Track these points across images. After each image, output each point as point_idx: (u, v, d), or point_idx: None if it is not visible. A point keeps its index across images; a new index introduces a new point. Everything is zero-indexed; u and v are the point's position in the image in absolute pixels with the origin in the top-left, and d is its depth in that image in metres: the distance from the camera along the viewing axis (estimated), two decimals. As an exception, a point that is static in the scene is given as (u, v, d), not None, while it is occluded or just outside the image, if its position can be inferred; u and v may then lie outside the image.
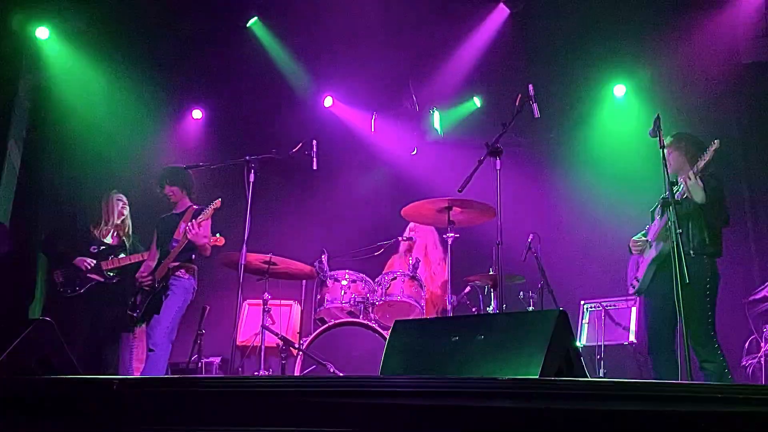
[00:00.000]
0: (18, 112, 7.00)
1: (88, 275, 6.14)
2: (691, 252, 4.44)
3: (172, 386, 1.84)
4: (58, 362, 2.99)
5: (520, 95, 4.67)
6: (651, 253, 4.71)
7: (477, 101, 7.90)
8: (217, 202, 5.58)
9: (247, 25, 7.70)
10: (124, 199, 6.46)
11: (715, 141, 4.40)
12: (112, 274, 6.23)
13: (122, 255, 6.28)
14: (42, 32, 7.16)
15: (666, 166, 4.27)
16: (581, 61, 7.24)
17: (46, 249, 6.70)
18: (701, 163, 4.44)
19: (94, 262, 6.17)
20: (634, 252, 4.88)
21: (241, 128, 7.95)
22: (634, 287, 4.86)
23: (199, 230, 5.52)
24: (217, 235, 5.69)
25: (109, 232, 6.38)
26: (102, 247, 6.28)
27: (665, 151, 4.35)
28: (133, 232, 6.48)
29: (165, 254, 5.67)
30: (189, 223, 5.53)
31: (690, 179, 4.43)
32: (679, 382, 3.95)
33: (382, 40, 7.36)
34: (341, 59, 7.62)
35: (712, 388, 2.07)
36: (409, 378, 2.27)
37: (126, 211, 6.45)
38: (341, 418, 2.11)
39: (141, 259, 6.13)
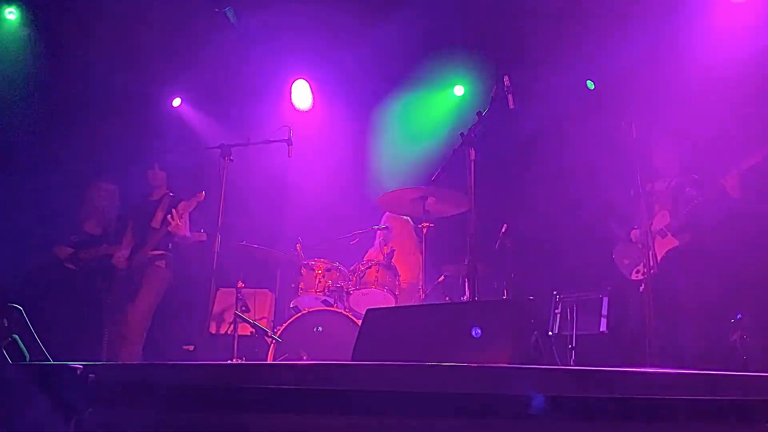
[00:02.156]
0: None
1: (65, 264, 6.07)
2: (710, 249, 4.75)
3: (139, 372, 1.84)
4: (27, 349, 2.95)
5: (495, 86, 4.69)
6: (669, 242, 4.73)
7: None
8: (201, 195, 5.54)
9: (224, 10, 7.61)
10: (110, 188, 6.32)
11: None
12: (88, 263, 6.16)
13: (103, 245, 6.21)
14: (10, 13, 7.02)
15: (636, 156, 4.35)
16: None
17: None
18: (747, 164, 4.53)
19: (72, 250, 6.09)
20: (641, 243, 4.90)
21: (218, 115, 7.88)
22: (644, 275, 4.73)
23: (180, 222, 5.50)
24: (201, 231, 5.66)
25: (92, 221, 6.28)
26: (83, 237, 6.19)
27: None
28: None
29: (141, 242, 5.62)
30: (170, 215, 5.49)
31: (733, 179, 4.55)
32: (644, 370, 4.01)
33: (354, 27, 7.32)
34: (312, 46, 7.58)
35: (670, 377, 2.12)
36: (379, 365, 2.29)
37: (108, 201, 6.33)
38: (311, 403, 2.12)
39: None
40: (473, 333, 2.65)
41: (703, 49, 6.28)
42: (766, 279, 5.02)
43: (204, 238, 5.68)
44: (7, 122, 7.05)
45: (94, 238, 6.22)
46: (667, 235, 4.67)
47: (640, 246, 4.93)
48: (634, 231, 5.06)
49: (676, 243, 4.67)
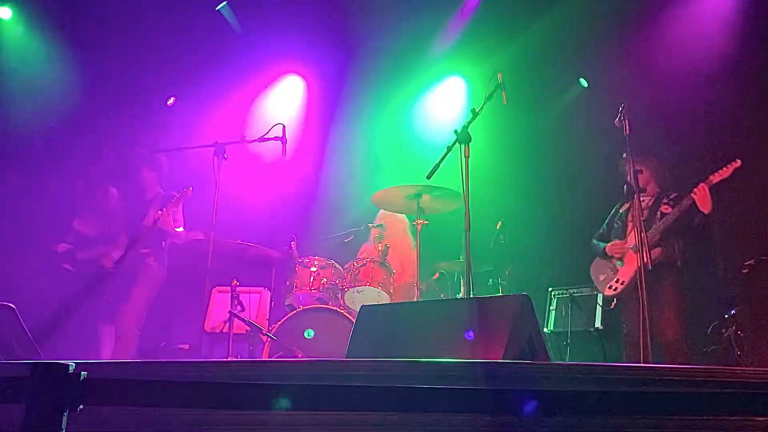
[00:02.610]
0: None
1: (62, 264, 6.06)
2: (678, 263, 4.79)
3: (133, 370, 1.84)
4: (19, 347, 2.95)
5: (489, 82, 4.68)
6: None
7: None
8: (188, 190, 5.54)
9: (217, 8, 7.60)
10: (113, 192, 6.35)
11: (737, 160, 4.67)
12: (85, 264, 6.15)
13: (100, 246, 6.20)
14: (4, 12, 6.99)
15: (630, 153, 4.36)
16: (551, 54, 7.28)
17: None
18: (717, 178, 4.69)
19: (69, 247, 6.09)
20: (615, 257, 5.07)
21: (211, 113, 7.87)
22: (615, 290, 4.99)
23: (169, 219, 5.49)
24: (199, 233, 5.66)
25: (91, 222, 6.28)
26: (81, 239, 6.19)
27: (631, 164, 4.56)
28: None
29: (134, 241, 5.61)
30: (161, 212, 5.48)
31: (703, 191, 4.68)
32: (639, 364, 4.02)
33: (349, 24, 7.32)
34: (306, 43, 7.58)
35: (663, 371, 2.12)
36: (372, 361, 2.29)
37: (110, 204, 6.34)
38: (306, 400, 2.12)
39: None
40: (466, 336, 2.65)
41: (672, 64, 6.40)
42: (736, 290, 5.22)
43: (201, 237, 5.67)
44: (7, 122, 7.04)
45: (90, 239, 6.22)
46: (638, 251, 4.74)
47: (613, 261, 5.11)
48: (608, 246, 5.17)
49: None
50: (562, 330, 6.41)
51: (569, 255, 6.79)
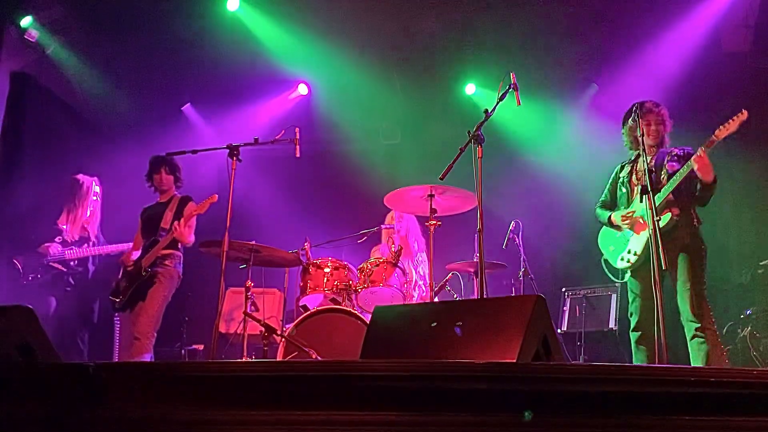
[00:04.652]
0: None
1: (50, 263, 6.12)
2: (695, 223, 4.51)
3: (149, 371, 1.85)
4: (38, 349, 2.98)
5: (501, 83, 4.68)
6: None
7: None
8: (214, 197, 5.59)
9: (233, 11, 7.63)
10: (97, 190, 6.43)
11: (743, 111, 4.25)
12: (74, 263, 6.21)
13: (87, 246, 6.27)
14: (25, 20, 7.04)
15: (645, 152, 4.30)
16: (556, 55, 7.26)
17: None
18: (722, 134, 4.27)
19: (59, 248, 6.15)
20: (623, 227, 4.72)
21: (226, 116, 7.92)
22: (628, 262, 4.63)
23: (185, 229, 5.56)
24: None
25: (78, 222, 6.34)
26: (67, 238, 6.24)
27: (646, 119, 4.46)
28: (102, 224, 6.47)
29: (152, 243, 5.66)
30: (177, 222, 5.55)
31: (701, 156, 4.30)
32: (653, 365, 4.00)
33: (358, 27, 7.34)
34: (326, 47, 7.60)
35: (685, 371, 2.12)
36: (387, 362, 2.30)
37: (95, 204, 6.41)
38: (320, 401, 2.13)
39: (110, 251, 6.16)
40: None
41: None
42: None
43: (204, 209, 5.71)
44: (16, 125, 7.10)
45: (79, 240, 6.27)
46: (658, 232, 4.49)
47: (622, 230, 4.75)
48: (613, 215, 4.80)
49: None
50: (575, 330, 6.40)
51: (582, 255, 6.78)
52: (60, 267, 6.15)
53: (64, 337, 6.15)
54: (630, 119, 4.67)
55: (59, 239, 6.22)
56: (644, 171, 4.17)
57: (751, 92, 6.63)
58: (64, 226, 6.28)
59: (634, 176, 4.79)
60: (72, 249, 6.20)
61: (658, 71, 7.05)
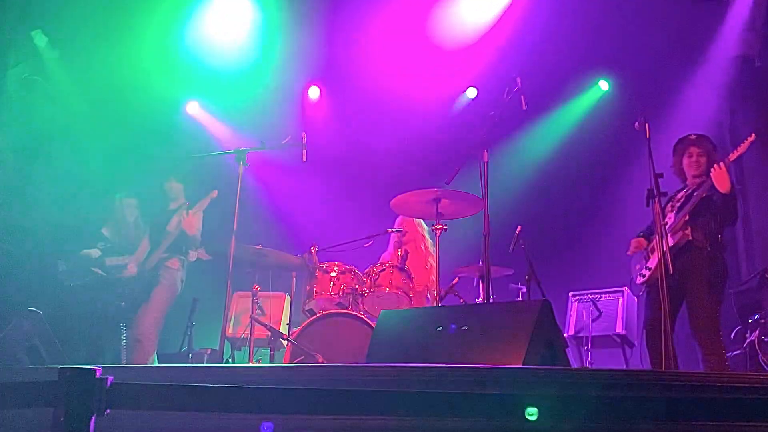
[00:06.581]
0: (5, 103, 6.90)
1: (91, 268, 6.14)
2: (709, 246, 4.53)
3: (158, 374, 1.86)
4: (46, 351, 3.00)
5: (507, 87, 4.69)
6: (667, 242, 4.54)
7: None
8: (214, 192, 5.63)
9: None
10: (132, 202, 6.44)
11: (752, 134, 4.52)
12: (114, 270, 6.23)
13: (127, 255, 6.28)
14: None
15: (651, 156, 4.31)
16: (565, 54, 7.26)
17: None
18: (734, 155, 4.53)
19: (99, 253, 6.18)
20: (641, 250, 4.89)
21: (232, 120, 7.93)
22: (644, 276, 4.79)
23: (192, 219, 5.59)
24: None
25: (118, 232, 6.37)
26: (109, 245, 6.28)
27: (689, 152, 4.63)
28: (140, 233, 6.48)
29: (156, 246, 5.69)
30: (183, 213, 5.59)
31: (720, 169, 4.48)
32: (661, 370, 4.00)
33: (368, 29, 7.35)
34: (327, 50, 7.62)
35: (685, 376, 2.12)
36: (392, 366, 2.31)
37: (130, 214, 6.44)
38: (326, 404, 2.14)
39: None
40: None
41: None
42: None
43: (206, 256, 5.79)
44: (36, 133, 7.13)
45: (114, 246, 6.31)
46: (665, 235, 4.59)
47: (646, 251, 4.91)
48: (633, 240, 5.01)
49: (672, 242, 4.59)
50: (582, 335, 6.38)
51: (589, 259, 6.77)
52: (100, 272, 6.17)
53: (104, 338, 6.18)
54: (674, 155, 4.85)
55: (101, 245, 6.24)
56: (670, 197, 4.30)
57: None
58: (106, 234, 6.32)
59: (669, 204, 4.85)
60: (113, 257, 6.21)
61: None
